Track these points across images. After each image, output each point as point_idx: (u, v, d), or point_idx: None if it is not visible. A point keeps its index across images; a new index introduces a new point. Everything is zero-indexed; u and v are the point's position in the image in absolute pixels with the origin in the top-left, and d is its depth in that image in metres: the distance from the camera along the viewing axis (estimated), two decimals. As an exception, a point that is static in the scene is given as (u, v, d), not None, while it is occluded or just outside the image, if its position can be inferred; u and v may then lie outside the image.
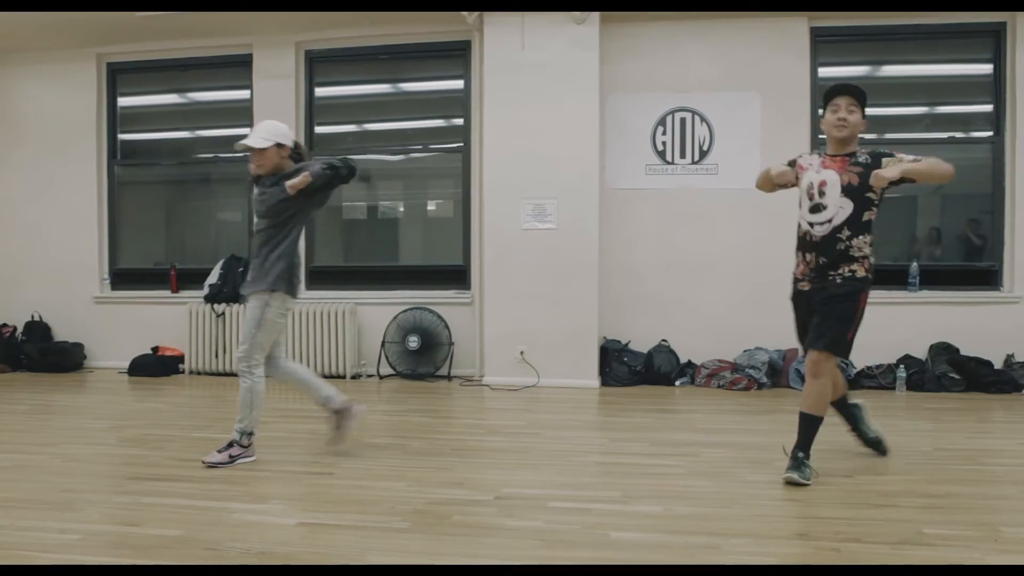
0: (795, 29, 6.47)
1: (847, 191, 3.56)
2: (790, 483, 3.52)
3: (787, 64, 6.48)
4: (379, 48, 7.16)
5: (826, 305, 3.61)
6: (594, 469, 3.89)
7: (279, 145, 3.97)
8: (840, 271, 3.61)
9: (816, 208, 3.64)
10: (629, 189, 6.65)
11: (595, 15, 6.28)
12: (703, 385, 6.31)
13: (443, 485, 3.60)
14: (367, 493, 3.47)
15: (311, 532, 2.98)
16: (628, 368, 6.36)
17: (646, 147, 6.64)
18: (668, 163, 6.62)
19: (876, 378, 6.18)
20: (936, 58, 6.62)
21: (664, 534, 2.95)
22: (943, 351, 6.20)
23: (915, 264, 6.41)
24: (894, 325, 6.34)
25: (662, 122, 6.62)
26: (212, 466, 3.86)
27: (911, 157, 3.55)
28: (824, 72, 6.55)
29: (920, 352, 6.31)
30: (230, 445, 3.95)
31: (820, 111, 3.80)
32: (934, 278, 6.45)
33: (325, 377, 6.78)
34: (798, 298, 3.82)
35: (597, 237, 6.33)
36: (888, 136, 6.72)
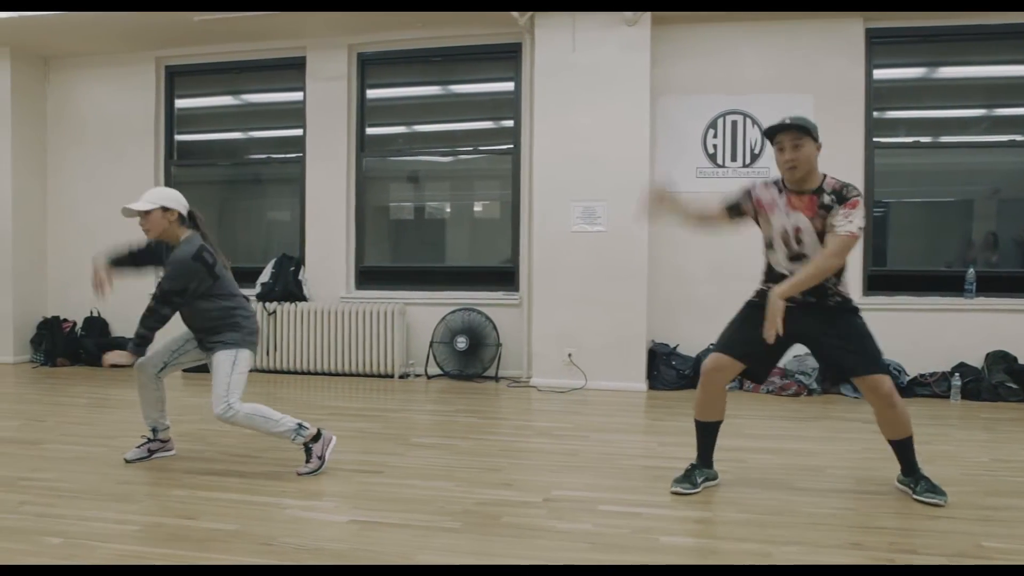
0: (850, 30, 6.37)
1: (823, 238, 3.32)
2: (932, 504, 3.32)
3: (841, 66, 6.38)
4: (430, 50, 7.22)
5: (840, 329, 3.37)
6: (642, 473, 3.88)
7: (164, 209, 3.82)
8: (826, 300, 3.39)
9: (797, 257, 3.40)
10: (680, 192, 6.56)
11: (646, 16, 6.26)
12: (752, 391, 6.25)
13: (492, 486, 3.62)
14: (417, 492, 3.50)
15: (362, 529, 3.02)
16: (676, 372, 6.33)
17: (697, 150, 6.60)
18: (719, 166, 6.57)
19: (930, 386, 6.06)
20: (996, 59, 6.47)
21: (714, 540, 2.94)
22: (1000, 360, 6.06)
23: (971, 270, 6.27)
24: (949, 332, 6.22)
25: (713, 124, 6.57)
26: (306, 474, 3.78)
27: (850, 217, 3.23)
28: (879, 74, 6.45)
29: (976, 360, 6.17)
30: (308, 452, 3.84)
31: (769, 149, 3.48)
32: (991, 284, 6.30)
33: (373, 376, 6.91)
34: (762, 315, 3.38)
35: (646, 240, 6.30)
36: (945, 139, 6.61)
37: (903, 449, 3.46)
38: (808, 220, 3.34)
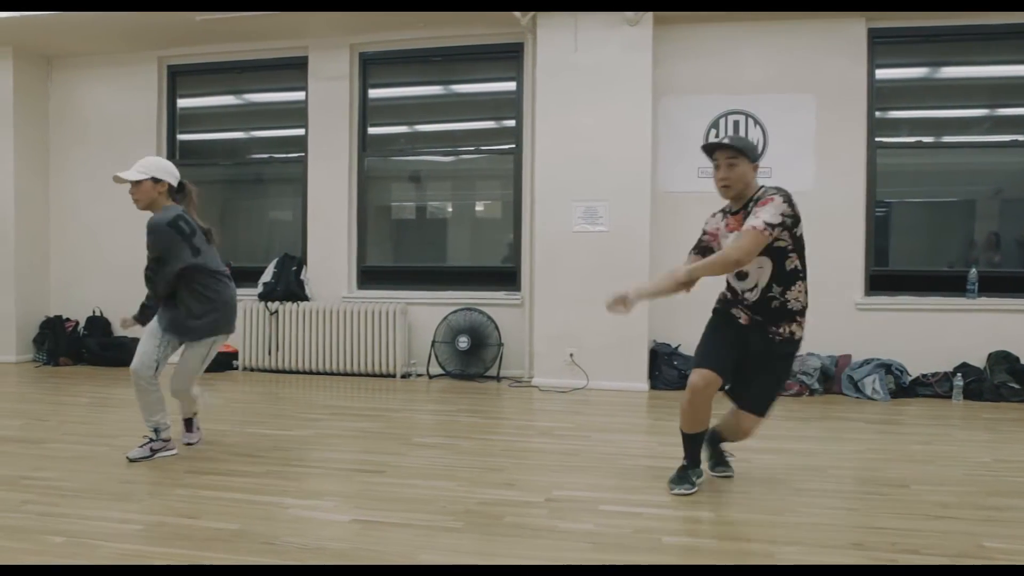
0: (852, 30, 6.36)
1: (764, 250, 3.29)
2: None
3: (843, 66, 6.38)
4: (432, 50, 7.22)
5: (772, 368, 3.48)
6: (644, 473, 3.88)
7: (155, 180, 3.90)
8: (780, 330, 3.42)
9: (740, 276, 3.44)
10: (681, 192, 6.60)
11: (648, 17, 6.26)
12: (753, 390, 6.24)
13: (494, 486, 3.62)
14: (418, 492, 3.50)
15: (364, 529, 3.02)
16: (678, 372, 6.32)
17: (698, 150, 6.55)
18: (720, 166, 6.55)
19: (932, 386, 6.06)
20: (998, 59, 6.46)
21: (716, 540, 2.94)
22: (1002, 360, 6.05)
23: (974, 270, 6.26)
24: (951, 333, 6.22)
25: (715, 124, 6.57)
26: (135, 458, 3.98)
27: (761, 214, 3.21)
28: (881, 74, 6.45)
29: (978, 361, 6.17)
30: (150, 441, 4.06)
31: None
32: (993, 285, 6.30)
33: (375, 376, 6.91)
34: (730, 321, 3.54)
35: (648, 240, 6.30)
36: (947, 139, 6.60)
37: (717, 439, 3.72)
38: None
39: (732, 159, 3.34)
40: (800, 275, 3.39)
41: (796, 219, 3.31)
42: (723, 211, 3.54)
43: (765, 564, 2.68)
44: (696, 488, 3.52)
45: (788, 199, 3.28)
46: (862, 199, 6.42)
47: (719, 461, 3.78)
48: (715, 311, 3.66)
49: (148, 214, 3.98)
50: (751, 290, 3.43)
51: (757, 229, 3.18)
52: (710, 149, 3.42)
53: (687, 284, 3.38)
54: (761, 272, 3.36)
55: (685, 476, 3.55)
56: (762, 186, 3.42)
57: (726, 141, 3.38)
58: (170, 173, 3.97)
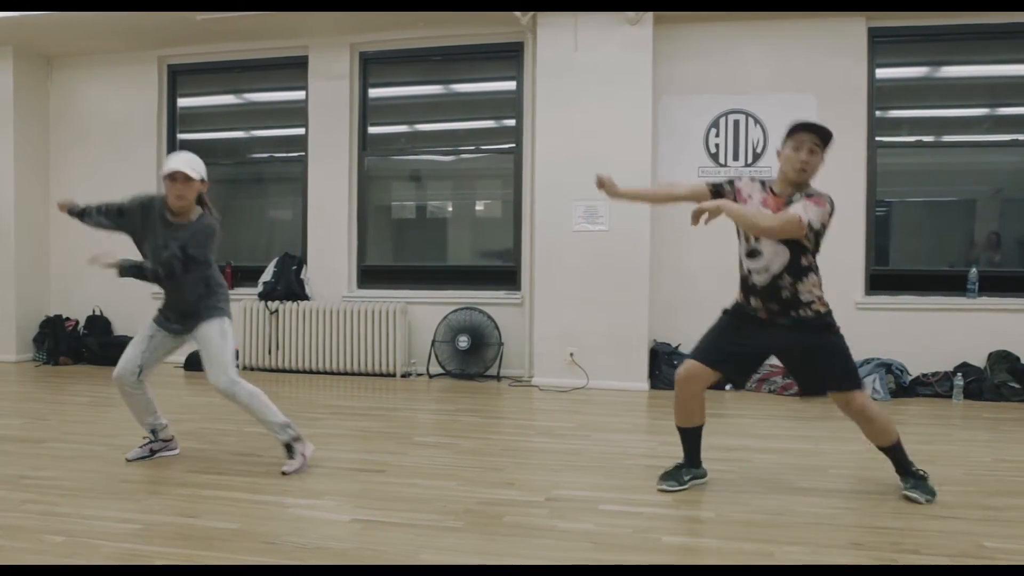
0: (852, 30, 6.36)
1: (785, 241, 3.30)
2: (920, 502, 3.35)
3: (843, 65, 6.38)
4: (432, 49, 7.22)
5: (817, 345, 3.38)
6: (644, 472, 3.87)
7: (202, 181, 3.78)
8: (801, 312, 3.37)
9: (752, 253, 3.40)
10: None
11: (648, 16, 6.26)
12: (754, 390, 6.25)
13: (494, 485, 3.62)
14: (419, 492, 3.50)
15: (365, 528, 3.02)
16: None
17: (699, 149, 6.60)
18: (721, 165, 6.56)
19: (932, 386, 6.06)
20: (998, 58, 6.45)
21: (716, 539, 2.94)
22: (1003, 359, 6.05)
23: (974, 270, 6.26)
24: (951, 332, 6.22)
25: (715, 124, 6.57)
26: (290, 473, 3.78)
27: (809, 206, 3.22)
28: (882, 73, 6.45)
29: (978, 360, 6.17)
30: (291, 450, 3.86)
31: (777, 148, 3.43)
32: (994, 284, 6.29)
33: (375, 375, 6.91)
34: (746, 320, 3.49)
35: (648, 239, 6.30)
36: (947, 139, 6.60)
37: (893, 453, 3.48)
38: None
39: (817, 146, 3.31)
40: (813, 270, 3.38)
41: (827, 228, 3.34)
42: (764, 184, 3.48)
43: (765, 564, 2.68)
44: (684, 487, 3.52)
45: (832, 209, 3.31)
46: (862, 198, 6.42)
47: (916, 484, 3.43)
48: (726, 311, 3.62)
49: None
50: (760, 272, 3.39)
51: (801, 221, 3.18)
52: (802, 127, 3.33)
53: (747, 298, 3.45)
54: (775, 258, 3.34)
55: (676, 473, 3.57)
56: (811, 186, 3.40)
57: (824, 126, 3.32)
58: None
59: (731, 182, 3.55)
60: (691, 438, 3.62)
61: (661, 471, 3.68)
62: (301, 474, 3.78)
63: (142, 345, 3.98)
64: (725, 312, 3.62)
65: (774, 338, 3.43)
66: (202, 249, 3.77)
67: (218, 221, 3.87)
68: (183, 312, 3.91)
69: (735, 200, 3.45)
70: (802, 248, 3.33)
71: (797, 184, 3.35)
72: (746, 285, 3.49)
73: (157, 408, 4.10)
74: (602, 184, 3.70)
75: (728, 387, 6.26)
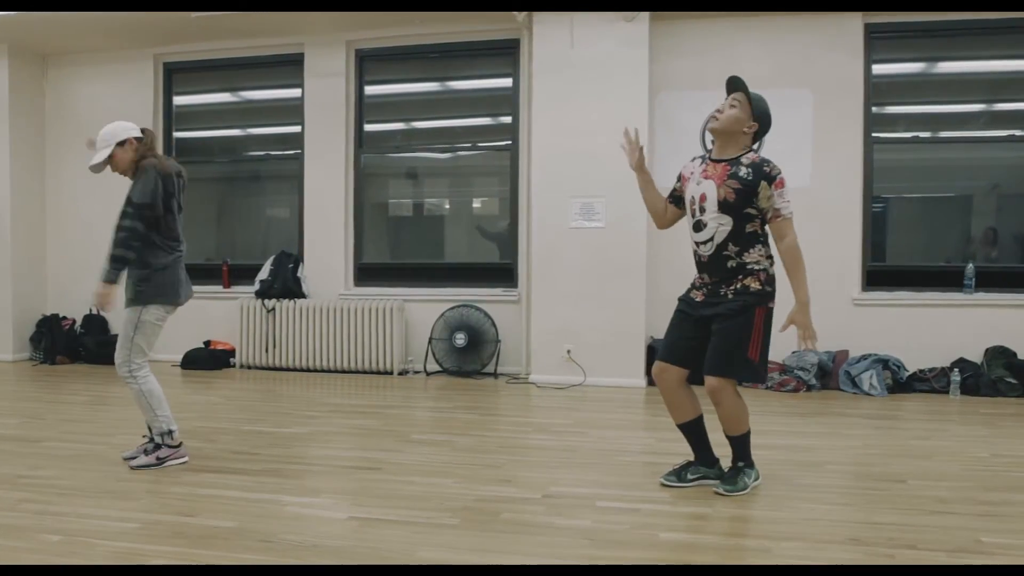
0: (849, 26, 6.36)
1: (723, 207, 3.30)
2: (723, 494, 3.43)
3: (840, 61, 6.38)
4: (428, 47, 7.21)
5: (720, 325, 3.35)
6: (642, 469, 3.88)
7: (120, 144, 3.84)
8: (732, 286, 3.36)
9: (697, 226, 3.41)
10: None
11: (644, 13, 6.25)
12: (751, 387, 6.24)
13: (491, 482, 3.62)
14: (416, 489, 3.50)
15: (362, 526, 3.02)
16: (675, 368, 6.32)
17: (695, 145, 6.58)
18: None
19: (929, 382, 6.07)
20: (995, 54, 6.45)
21: (714, 536, 2.94)
22: (999, 355, 6.06)
23: (971, 265, 6.27)
24: (948, 328, 6.22)
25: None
26: (139, 468, 3.80)
27: (786, 198, 3.30)
28: (878, 69, 6.44)
29: (975, 356, 6.17)
30: (156, 447, 3.86)
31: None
32: (990, 280, 6.30)
33: (372, 373, 6.91)
34: (690, 307, 3.51)
35: (645, 236, 6.30)
36: (944, 135, 6.60)
37: (737, 442, 3.54)
38: (715, 187, 3.33)
39: (736, 101, 3.37)
40: (760, 239, 3.38)
41: None
42: (703, 158, 3.51)
43: (763, 562, 2.68)
44: (686, 485, 3.53)
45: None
46: (859, 195, 6.42)
47: (730, 478, 3.52)
48: (679, 301, 3.63)
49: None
50: (706, 243, 3.40)
51: (791, 221, 3.33)
52: (728, 85, 3.43)
53: (703, 277, 3.48)
54: (719, 229, 3.34)
55: (681, 471, 3.60)
56: (751, 149, 3.42)
57: (743, 83, 3.39)
58: (127, 129, 3.89)
59: (679, 176, 3.60)
60: (690, 433, 3.62)
61: (661, 470, 3.68)
62: (296, 472, 3.77)
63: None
64: (679, 301, 3.63)
65: (700, 317, 3.44)
66: (135, 191, 3.72)
67: (157, 163, 3.81)
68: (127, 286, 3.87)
69: (682, 187, 3.53)
70: (746, 216, 3.33)
71: (722, 142, 3.40)
72: (696, 261, 3.51)
73: (162, 401, 3.96)
74: (632, 146, 3.65)
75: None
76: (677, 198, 3.60)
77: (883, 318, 6.35)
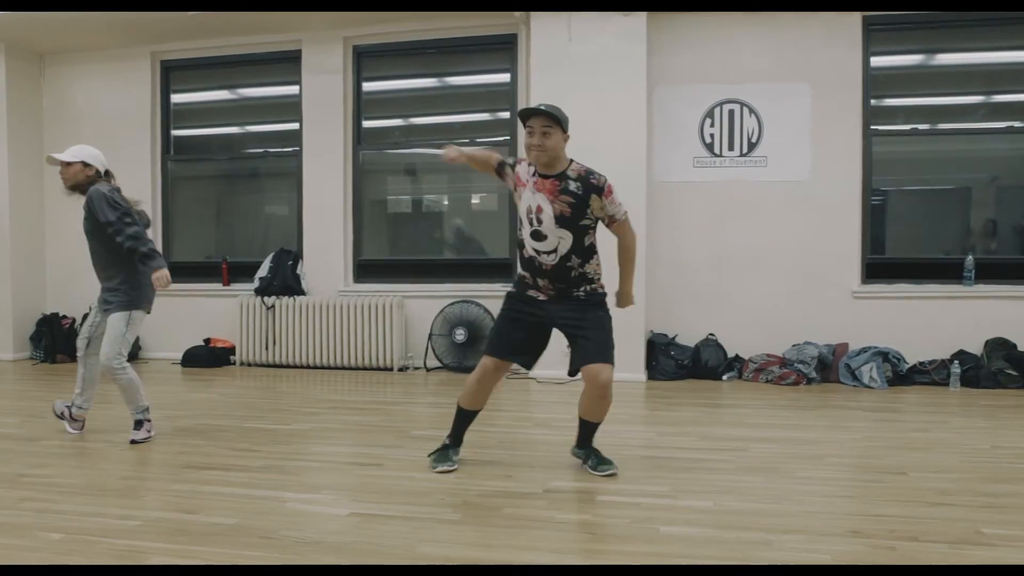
0: (847, 19, 6.35)
1: (560, 222, 3.45)
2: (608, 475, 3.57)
3: (838, 54, 6.37)
4: (426, 42, 7.20)
5: (586, 318, 3.53)
6: (642, 463, 3.88)
7: (85, 164, 4.30)
8: (582, 290, 3.56)
9: (537, 235, 3.51)
10: (677, 182, 6.60)
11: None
12: (751, 380, 6.25)
13: (492, 478, 3.62)
14: (417, 485, 3.50)
15: (363, 522, 3.02)
16: (675, 362, 6.33)
17: (694, 139, 6.59)
18: (716, 155, 6.56)
19: (929, 374, 6.07)
20: (994, 45, 6.45)
21: (715, 529, 2.94)
22: (999, 347, 6.06)
23: (970, 257, 6.27)
24: (948, 320, 6.23)
25: (710, 114, 6.56)
26: (139, 442, 4.25)
27: (617, 202, 3.53)
28: (877, 61, 6.44)
29: (975, 348, 6.18)
30: (140, 424, 4.30)
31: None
32: (990, 272, 6.31)
33: (372, 370, 6.91)
34: (529, 304, 3.62)
35: (644, 230, 6.27)
36: (943, 126, 6.60)
37: (589, 429, 3.73)
38: (549, 203, 3.47)
39: (547, 127, 3.43)
40: (595, 250, 3.59)
41: None
42: (533, 166, 3.58)
43: (764, 554, 2.68)
44: (454, 467, 3.73)
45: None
46: (858, 187, 6.42)
47: (600, 459, 3.71)
48: (509, 296, 3.72)
49: (144, 203, 4.12)
50: (548, 254, 3.51)
51: (627, 220, 3.60)
52: (526, 115, 3.47)
53: (524, 275, 3.64)
54: (561, 242, 3.48)
55: (446, 455, 3.78)
56: (571, 159, 3.56)
57: (543, 108, 3.44)
58: (99, 160, 4.35)
59: (513, 165, 3.68)
60: (468, 420, 3.84)
61: (662, 464, 3.68)
62: (297, 468, 3.77)
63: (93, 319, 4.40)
64: (508, 297, 3.72)
65: (553, 314, 3.58)
66: (111, 211, 4.15)
67: (110, 188, 4.27)
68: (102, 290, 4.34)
69: (516, 184, 3.62)
70: (583, 229, 3.49)
71: (548, 165, 3.48)
72: (532, 266, 3.57)
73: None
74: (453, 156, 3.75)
75: (726, 377, 6.29)
76: (502, 173, 3.71)
77: (883, 311, 6.36)
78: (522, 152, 6.49)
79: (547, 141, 3.43)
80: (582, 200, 3.45)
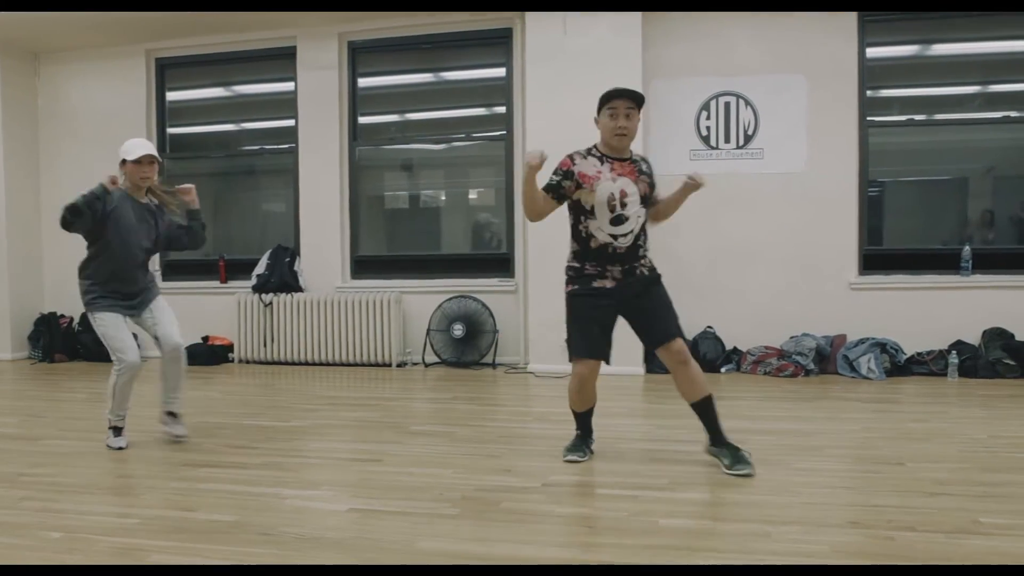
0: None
1: (644, 201, 3.59)
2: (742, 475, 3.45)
3: (834, 45, 6.37)
4: (421, 37, 7.19)
5: (653, 294, 3.64)
6: (641, 456, 3.89)
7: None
8: (643, 263, 3.68)
9: (618, 220, 3.54)
10: (673, 175, 6.54)
11: (637, 0, 6.24)
12: (749, 372, 6.26)
13: (491, 472, 3.62)
14: (415, 480, 3.50)
15: (362, 518, 3.02)
16: (673, 355, 6.33)
17: (690, 132, 6.58)
18: (712, 148, 6.55)
19: (927, 364, 6.08)
20: (989, 35, 6.44)
21: (713, 521, 2.94)
22: (997, 336, 6.07)
23: (967, 248, 6.27)
24: (946, 310, 6.24)
25: (706, 107, 6.56)
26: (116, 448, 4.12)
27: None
28: (872, 52, 6.43)
29: (973, 338, 6.19)
30: (118, 432, 4.17)
31: (595, 115, 3.63)
32: (987, 262, 6.31)
33: (370, 365, 6.91)
34: (599, 297, 3.61)
35: (641, 224, 6.28)
36: (939, 117, 6.60)
37: (708, 411, 3.60)
38: (633, 183, 3.57)
39: (631, 109, 3.51)
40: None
41: None
42: (595, 156, 3.61)
43: (763, 546, 2.68)
44: (588, 456, 3.76)
45: None
46: (855, 179, 6.42)
47: (737, 458, 3.51)
48: (576, 296, 3.71)
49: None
50: (625, 236, 3.57)
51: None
52: (610, 96, 3.51)
53: (588, 264, 3.68)
54: (638, 220, 3.59)
55: (581, 445, 3.84)
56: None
57: (632, 89, 3.51)
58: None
59: (568, 172, 3.59)
60: (589, 415, 3.91)
61: (661, 457, 3.68)
62: (296, 465, 3.77)
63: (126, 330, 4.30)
64: (574, 296, 3.71)
65: (619, 299, 3.61)
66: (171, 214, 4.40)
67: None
68: (133, 293, 4.36)
69: (579, 185, 3.56)
70: (649, 206, 3.67)
71: (623, 149, 3.57)
72: (604, 254, 3.59)
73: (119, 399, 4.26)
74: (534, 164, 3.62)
75: (724, 369, 6.29)
76: (562, 195, 3.63)
77: (880, 302, 6.36)
78: (529, 145, 6.50)
79: (630, 123, 3.51)
80: (653, 178, 3.67)
